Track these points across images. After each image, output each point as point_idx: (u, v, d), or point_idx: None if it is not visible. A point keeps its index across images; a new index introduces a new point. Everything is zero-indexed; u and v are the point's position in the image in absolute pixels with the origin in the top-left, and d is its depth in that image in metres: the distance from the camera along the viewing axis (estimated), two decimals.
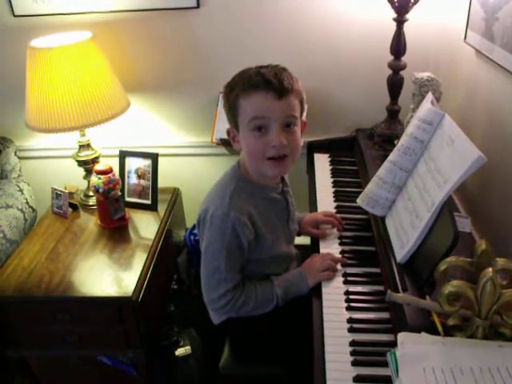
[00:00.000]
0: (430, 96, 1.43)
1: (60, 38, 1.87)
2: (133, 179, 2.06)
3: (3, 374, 1.87)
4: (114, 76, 1.94)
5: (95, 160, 2.04)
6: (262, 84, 1.25)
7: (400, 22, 1.75)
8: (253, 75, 1.26)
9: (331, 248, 1.51)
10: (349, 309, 1.27)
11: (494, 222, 1.48)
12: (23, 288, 1.68)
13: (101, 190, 1.85)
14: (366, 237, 1.54)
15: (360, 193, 1.55)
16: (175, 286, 2.11)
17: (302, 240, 1.65)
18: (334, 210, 1.68)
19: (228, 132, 1.37)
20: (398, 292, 1.18)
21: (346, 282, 1.37)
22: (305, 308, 1.35)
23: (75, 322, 1.69)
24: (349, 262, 1.45)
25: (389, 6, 1.73)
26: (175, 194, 2.19)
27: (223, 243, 1.33)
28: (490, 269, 0.96)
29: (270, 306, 1.41)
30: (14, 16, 2.02)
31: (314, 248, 1.56)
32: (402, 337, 1.02)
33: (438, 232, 1.19)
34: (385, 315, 1.24)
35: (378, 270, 1.40)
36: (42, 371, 1.87)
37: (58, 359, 1.83)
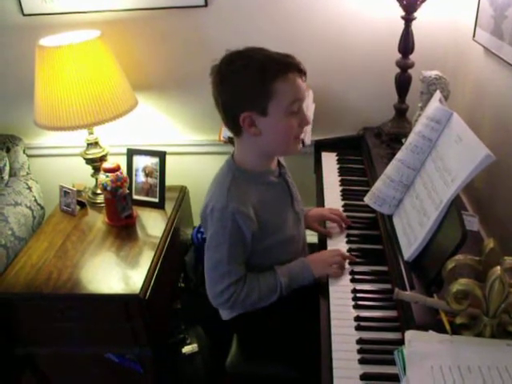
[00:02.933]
0: (438, 94, 1.43)
1: (68, 37, 1.89)
2: (140, 177, 2.07)
3: (12, 371, 1.88)
4: (122, 74, 1.95)
5: (103, 158, 2.05)
6: (295, 67, 1.27)
7: (408, 20, 1.75)
8: (283, 59, 1.27)
9: (338, 246, 1.51)
10: (356, 307, 1.27)
11: (502, 220, 1.47)
12: (31, 285, 1.69)
13: (108, 188, 1.86)
14: (374, 235, 1.53)
15: (367, 191, 1.55)
16: (182, 284, 2.12)
17: (309, 238, 1.65)
18: (341, 209, 1.67)
19: (243, 118, 1.27)
20: (406, 290, 1.17)
21: (353, 280, 1.36)
22: (313, 306, 1.35)
23: (83, 319, 1.70)
24: (356, 260, 1.44)
25: (397, 4, 1.73)
26: (182, 192, 2.19)
27: (225, 235, 1.33)
28: (498, 267, 0.95)
29: (274, 296, 1.40)
30: (24, 15, 2.04)
31: (321, 246, 1.56)
32: (409, 335, 1.02)
33: (446, 230, 1.19)
34: (392, 313, 1.24)
35: (385, 268, 1.39)
36: (50, 368, 1.88)
37: (65, 356, 1.84)
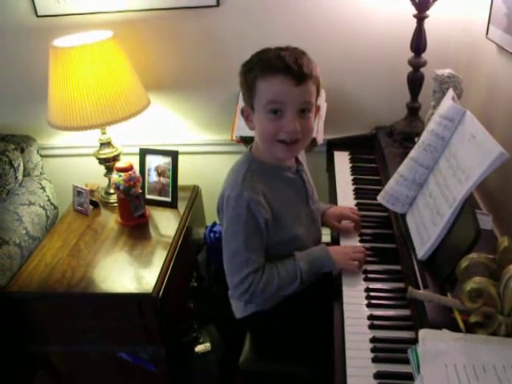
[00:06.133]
0: (450, 93, 1.42)
1: (82, 38, 1.90)
2: (153, 177, 2.08)
3: (26, 369, 1.90)
4: (135, 74, 1.96)
5: (116, 158, 2.06)
6: (281, 68, 1.26)
7: (420, 18, 1.74)
8: (273, 58, 1.28)
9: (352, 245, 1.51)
10: (369, 306, 1.27)
11: None
12: (45, 284, 1.71)
13: (121, 188, 1.87)
14: (387, 234, 1.53)
15: (380, 190, 1.55)
16: (195, 284, 2.12)
17: (323, 238, 1.65)
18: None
19: (242, 111, 1.39)
20: (419, 289, 1.17)
21: (366, 279, 1.36)
22: (326, 305, 1.35)
23: (96, 317, 1.71)
24: (369, 259, 1.44)
25: (409, 2, 1.72)
26: (195, 191, 2.20)
27: (240, 223, 1.34)
28: None
29: (295, 284, 1.39)
30: (37, 16, 2.06)
31: (334, 245, 1.55)
32: (423, 333, 1.02)
33: (460, 229, 1.18)
34: (405, 312, 1.24)
35: (398, 267, 1.39)
36: (63, 366, 1.89)
37: (78, 355, 1.85)
